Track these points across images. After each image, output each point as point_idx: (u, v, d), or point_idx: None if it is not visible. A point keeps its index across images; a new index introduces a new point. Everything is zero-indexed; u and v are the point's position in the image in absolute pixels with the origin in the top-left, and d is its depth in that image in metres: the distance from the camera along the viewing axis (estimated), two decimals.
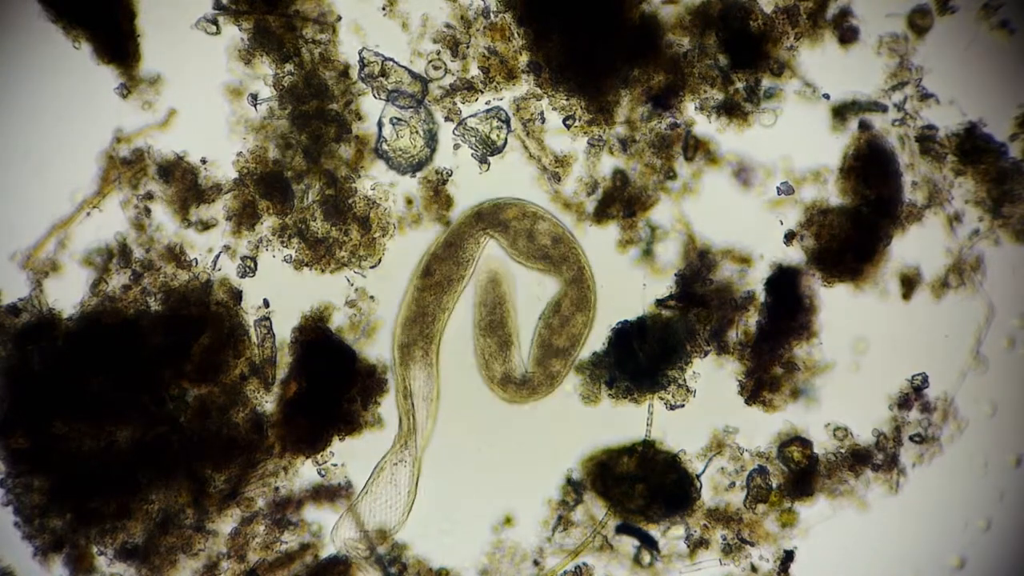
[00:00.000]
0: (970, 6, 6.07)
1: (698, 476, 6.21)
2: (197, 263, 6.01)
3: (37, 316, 5.89)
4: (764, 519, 6.22)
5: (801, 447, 6.20)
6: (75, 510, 5.85)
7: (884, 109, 6.10)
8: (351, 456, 6.15)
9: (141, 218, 5.99)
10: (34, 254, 5.94)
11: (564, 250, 6.16)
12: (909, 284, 6.16)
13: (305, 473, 6.14)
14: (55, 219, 5.94)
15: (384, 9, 6.00)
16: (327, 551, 6.19)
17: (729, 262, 6.14)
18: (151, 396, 5.86)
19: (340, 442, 6.11)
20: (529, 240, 6.16)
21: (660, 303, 6.14)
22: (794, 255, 6.15)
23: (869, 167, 6.07)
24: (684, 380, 6.14)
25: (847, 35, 6.07)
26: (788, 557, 6.24)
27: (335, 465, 6.15)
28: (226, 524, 6.06)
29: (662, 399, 6.16)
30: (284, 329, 6.07)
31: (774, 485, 6.21)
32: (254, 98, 5.98)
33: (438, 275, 6.13)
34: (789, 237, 6.14)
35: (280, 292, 6.06)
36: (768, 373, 6.14)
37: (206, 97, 5.97)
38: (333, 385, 6.04)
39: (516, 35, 6.00)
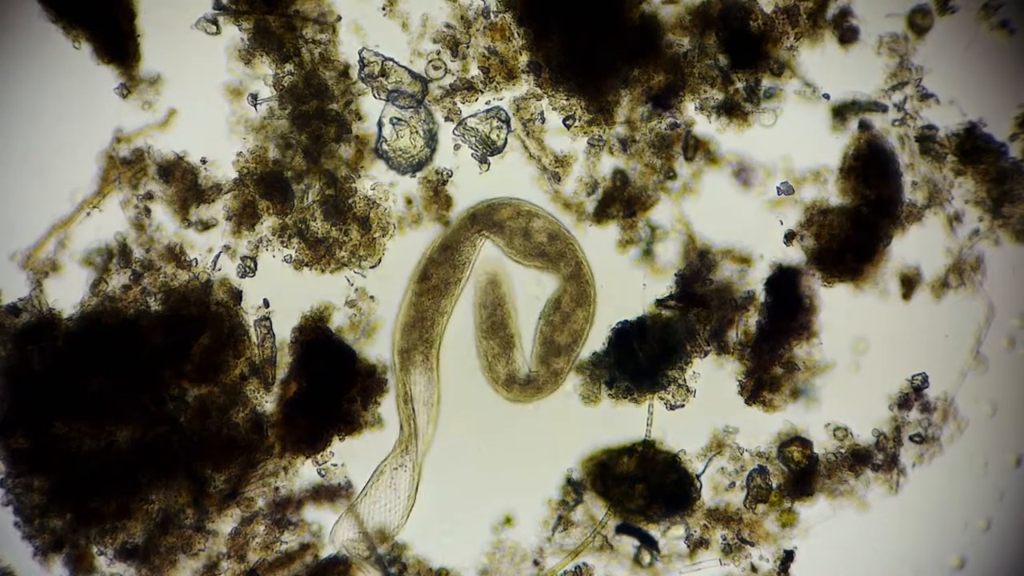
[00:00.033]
0: (970, 6, 6.07)
1: (698, 476, 6.21)
2: (197, 263, 6.01)
3: (37, 316, 5.89)
4: (764, 519, 6.22)
5: (801, 447, 6.20)
6: (75, 510, 5.85)
7: (884, 109, 6.10)
8: (351, 456, 6.15)
9: (141, 218, 5.99)
10: (34, 254, 5.94)
11: (561, 246, 6.16)
12: (909, 284, 6.16)
13: (305, 473, 6.14)
14: (55, 219, 5.94)
15: (384, 9, 6.00)
16: (327, 551, 6.19)
17: (729, 262, 6.14)
18: (151, 396, 5.85)
19: (340, 442, 6.11)
20: (525, 238, 6.16)
21: (660, 303, 6.14)
22: (794, 255, 6.15)
23: (869, 167, 6.07)
24: (684, 380, 6.14)
25: (847, 35, 6.07)
26: (788, 557, 6.24)
27: (335, 465, 6.15)
28: (226, 524, 6.06)
29: (662, 399, 6.16)
30: (284, 329, 6.07)
31: (774, 485, 6.21)
32: (254, 98, 5.98)
33: (435, 279, 6.13)
34: (789, 237, 6.14)
35: (280, 292, 6.06)
36: (768, 373, 6.14)
37: (206, 97, 5.97)
38: (333, 385, 6.04)
39: (516, 35, 6.00)
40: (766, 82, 6.08)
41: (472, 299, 6.20)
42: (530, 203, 6.15)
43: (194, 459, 5.92)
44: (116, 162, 5.96)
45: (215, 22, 5.94)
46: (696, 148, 6.12)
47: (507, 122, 6.09)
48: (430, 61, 6.05)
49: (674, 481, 6.18)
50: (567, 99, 6.05)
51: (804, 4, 6.01)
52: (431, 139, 6.10)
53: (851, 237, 6.07)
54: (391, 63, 6.03)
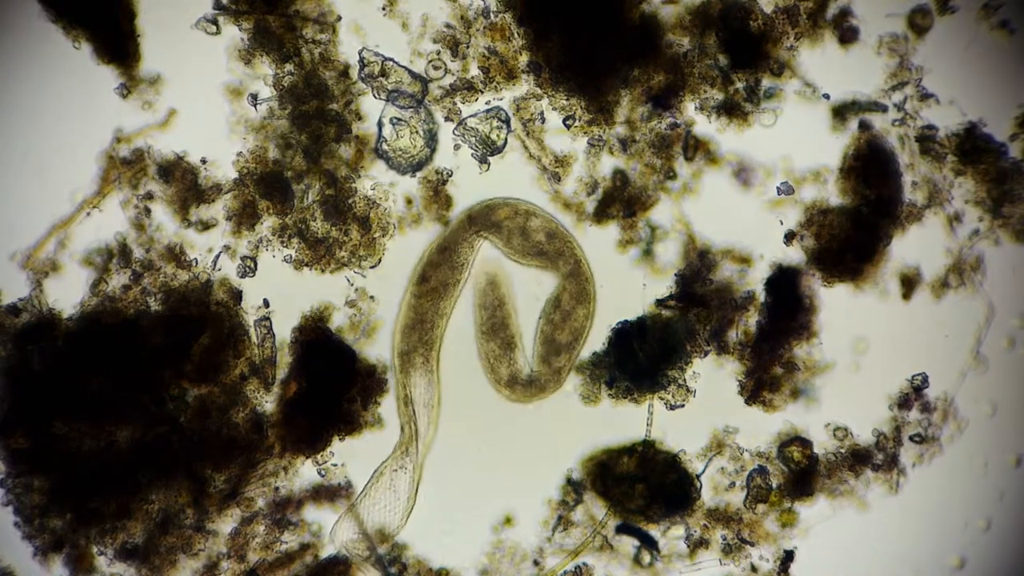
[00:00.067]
0: (970, 6, 6.07)
1: (698, 476, 6.21)
2: (197, 263, 6.01)
3: (37, 316, 5.89)
4: (764, 519, 6.22)
5: (801, 447, 6.20)
6: (75, 510, 5.85)
7: (884, 109, 6.10)
8: (351, 456, 6.15)
9: (141, 218, 5.99)
10: (34, 254, 5.94)
11: (559, 244, 6.16)
12: (909, 284, 6.16)
13: (305, 473, 6.14)
14: (55, 219, 5.94)
15: (384, 9, 6.00)
16: (327, 551, 6.19)
17: (729, 262, 6.14)
18: (151, 396, 5.85)
19: (340, 442, 6.11)
20: (523, 238, 6.16)
21: (660, 303, 6.14)
22: (794, 255, 6.15)
23: (869, 167, 6.07)
24: (684, 380, 6.14)
25: (847, 35, 6.07)
26: (788, 557, 6.24)
27: (335, 465, 6.15)
28: (226, 524, 6.06)
29: (662, 399, 6.16)
30: (284, 329, 6.07)
31: (774, 485, 6.21)
32: (254, 98, 5.98)
33: (434, 281, 6.13)
34: (789, 237, 6.14)
35: (280, 292, 6.06)
36: (768, 373, 6.14)
37: (206, 97, 5.97)
38: (333, 385, 6.04)
39: (516, 35, 6.00)
40: (766, 82, 6.08)
41: (472, 301, 6.20)
42: (527, 202, 6.15)
43: (194, 459, 5.92)
44: (116, 162, 5.96)
45: (215, 22, 5.94)
46: (696, 148, 6.12)
47: (507, 122, 6.09)
48: (430, 61, 6.05)
49: (674, 481, 6.18)
50: (567, 99, 6.05)
51: (804, 4, 6.01)
52: (431, 139, 6.10)
53: (851, 237, 6.07)
54: (391, 63, 6.03)
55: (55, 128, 5.93)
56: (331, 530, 6.17)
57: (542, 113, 6.09)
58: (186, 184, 5.98)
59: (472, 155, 6.11)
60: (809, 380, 6.16)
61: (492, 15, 6.00)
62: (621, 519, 6.23)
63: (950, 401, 6.21)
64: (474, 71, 6.06)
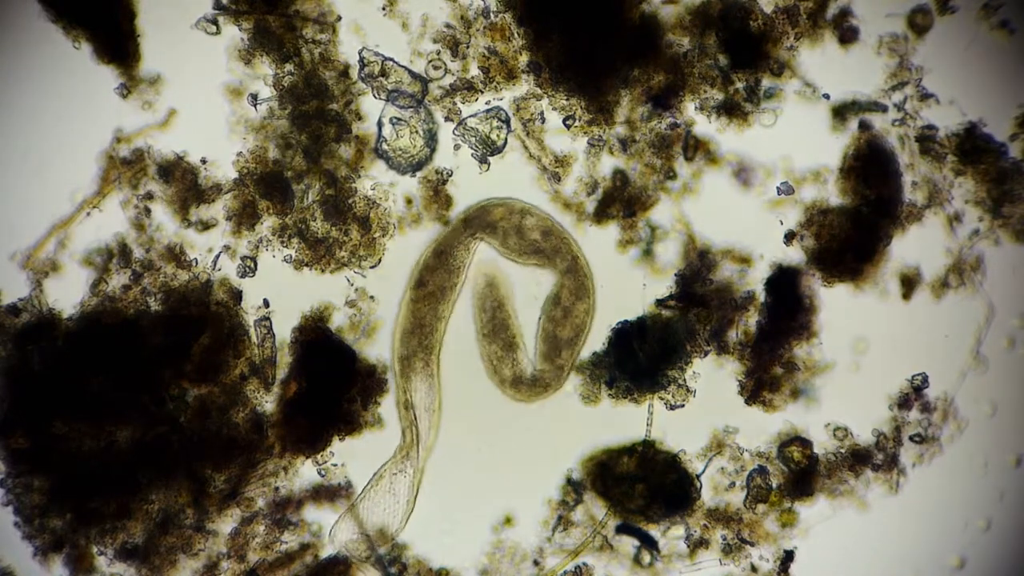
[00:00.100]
0: (970, 6, 6.07)
1: (698, 476, 6.21)
2: (197, 263, 6.01)
3: (37, 316, 5.89)
4: (764, 519, 6.22)
5: (801, 447, 6.20)
6: (75, 510, 5.85)
7: (884, 109, 6.10)
8: (351, 456, 6.15)
9: (141, 218, 5.99)
10: (34, 254, 5.94)
11: (555, 242, 6.16)
12: (909, 284, 6.16)
13: (305, 473, 6.14)
14: (55, 219, 5.94)
15: (384, 9, 6.00)
16: (327, 551, 6.19)
17: (729, 262, 6.14)
18: (151, 396, 5.85)
19: (340, 442, 6.11)
20: (519, 237, 6.15)
21: (660, 303, 6.14)
22: (794, 255, 6.14)
23: (869, 167, 6.07)
24: (684, 380, 6.14)
25: (847, 35, 6.07)
26: (788, 557, 6.24)
27: (335, 465, 6.15)
28: (226, 524, 6.06)
29: (662, 399, 6.16)
30: (284, 329, 6.07)
31: (774, 485, 6.21)
32: (254, 98, 5.98)
33: (431, 285, 6.13)
34: (789, 237, 6.14)
35: (280, 292, 6.06)
36: (768, 373, 6.14)
37: (206, 97, 5.97)
38: (333, 385, 6.04)
39: (516, 35, 6.00)
40: (766, 82, 6.08)
41: (471, 303, 6.20)
42: (521, 201, 6.15)
43: (194, 459, 5.92)
44: (116, 162, 5.96)
45: (215, 22, 5.94)
46: (696, 148, 6.12)
47: (507, 122, 6.09)
48: (430, 61, 6.05)
49: (674, 481, 6.17)
50: (567, 99, 6.05)
51: (804, 4, 6.01)
52: (431, 139, 6.10)
53: (851, 237, 6.07)
54: (391, 63, 6.03)
55: (55, 128, 5.93)
56: (331, 530, 6.17)
57: (542, 113, 6.09)
58: (186, 184, 5.98)
59: (472, 155, 6.11)
60: (809, 380, 6.16)
61: (492, 15, 5.99)
62: (621, 519, 6.23)
63: (950, 401, 6.21)
64: (474, 71, 6.06)
